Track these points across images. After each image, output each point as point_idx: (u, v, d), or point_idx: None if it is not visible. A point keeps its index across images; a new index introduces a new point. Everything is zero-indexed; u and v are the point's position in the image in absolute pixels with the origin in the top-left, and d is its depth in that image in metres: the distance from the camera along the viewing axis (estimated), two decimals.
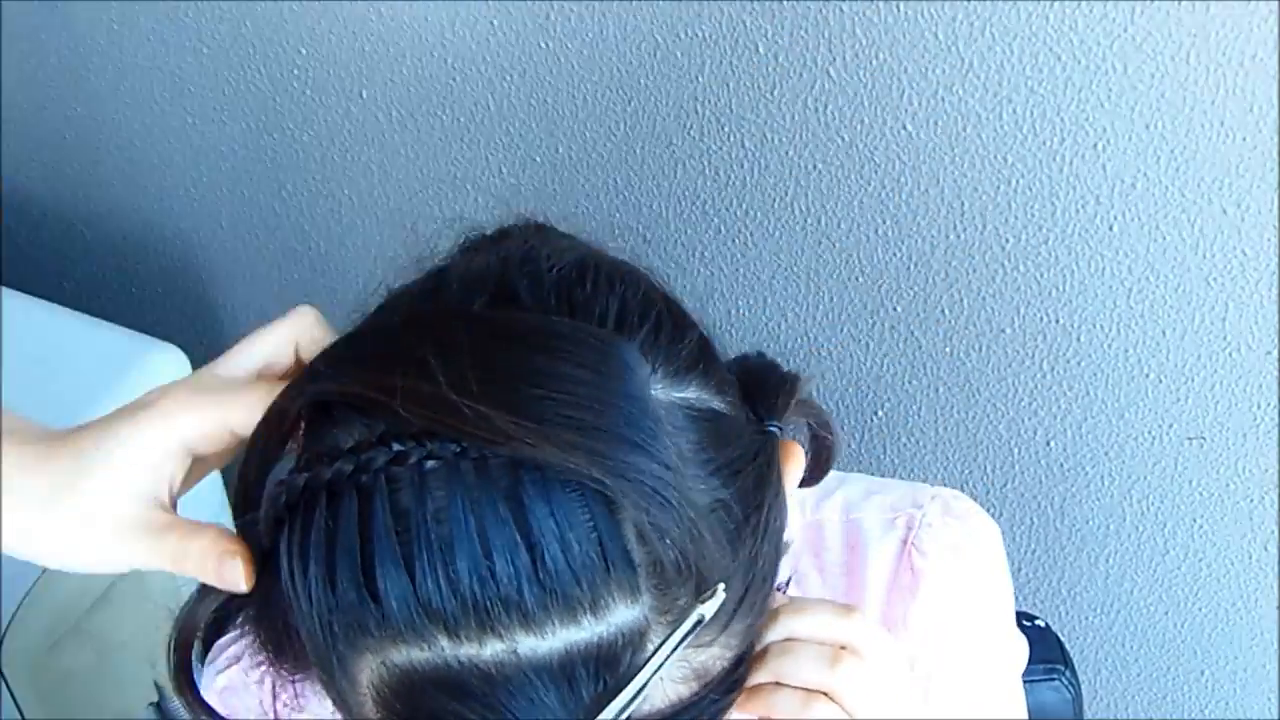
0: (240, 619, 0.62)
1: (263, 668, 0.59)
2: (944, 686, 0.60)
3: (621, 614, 0.41)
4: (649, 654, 0.42)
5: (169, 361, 1.04)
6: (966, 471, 1.00)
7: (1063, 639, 0.77)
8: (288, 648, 0.49)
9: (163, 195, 1.19)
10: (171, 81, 1.10)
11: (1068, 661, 0.76)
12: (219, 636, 0.61)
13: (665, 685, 0.42)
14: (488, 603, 0.40)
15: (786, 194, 0.92)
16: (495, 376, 0.42)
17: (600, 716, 0.40)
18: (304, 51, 1.02)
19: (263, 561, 0.46)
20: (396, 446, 0.41)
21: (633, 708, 0.40)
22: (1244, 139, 0.76)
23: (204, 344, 1.28)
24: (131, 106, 1.14)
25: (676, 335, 0.45)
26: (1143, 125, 0.79)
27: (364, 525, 0.41)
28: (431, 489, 0.40)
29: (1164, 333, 0.87)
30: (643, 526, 0.41)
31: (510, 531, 0.40)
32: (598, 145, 0.96)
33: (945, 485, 0.61)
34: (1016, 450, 0.97)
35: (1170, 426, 0.91)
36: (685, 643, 0.41)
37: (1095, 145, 0.81)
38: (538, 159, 0.99)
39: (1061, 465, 0.97)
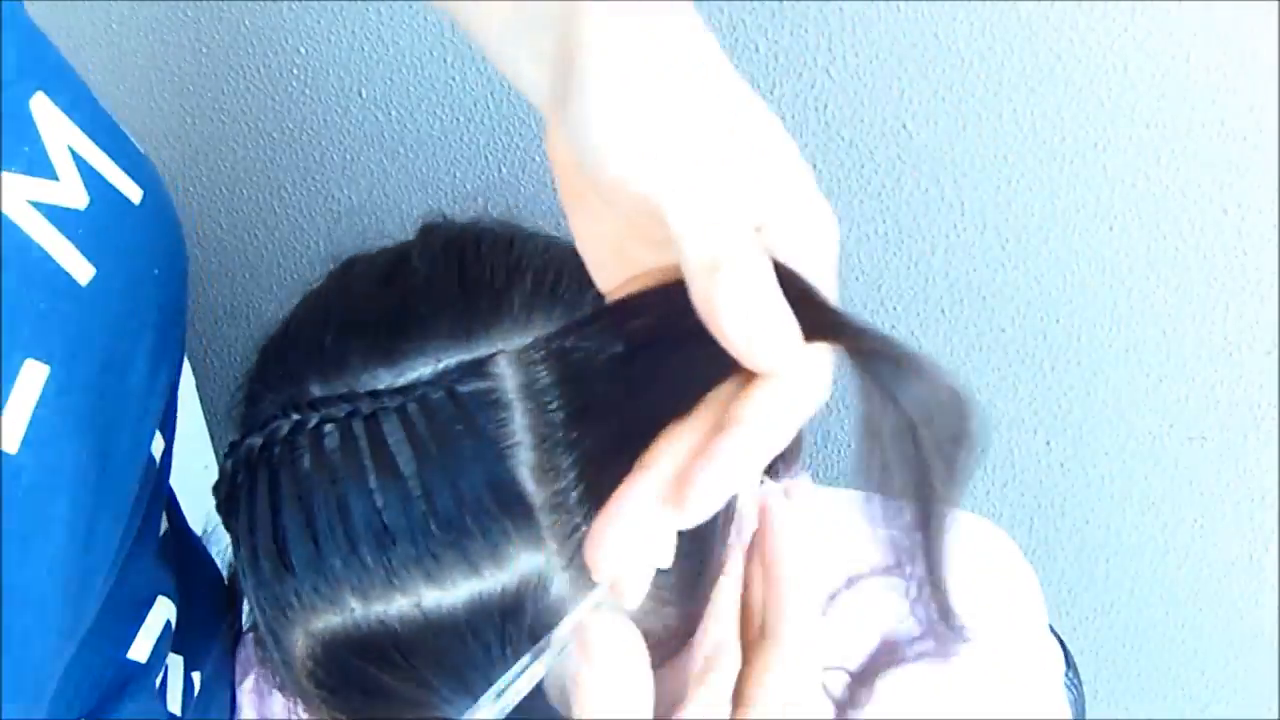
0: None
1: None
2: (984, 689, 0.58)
3: (525, 561, 0.40)
4: (552, 600, 0.41)
5: None
6: None
7: (1064, 639, 0.77)
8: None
9: None
10: (171, 81, 1.10)
11: (1069, 662, 0.76)
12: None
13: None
14: (386, 559, 0.40)
15: None
16: (382, 338, 0.43)
17: (513, 671, 0.38)
18: (304, 51, 1.02)
19: None
20: (294, 415, 0.42)
21: (546, 668, 0.38)
22: (1244, 139, 0.76)
23: (204, 344, 1.28)
24: (132, 107, 1.14)
25: (577, 285, 0.45)
26: (1142, 125, 0.79)
27: (273, 496, 0.41)
28: (327, 451, 0.41)
29: (1164, 333, 0.87)
30: (541, 469, 0.41)
31: (402, 484, 0.40)
32: None
33: None
34: (1016, 450, 0.97)
35: (1170, 426, 0.91)
36: (594, 605, 0.39)
37: (1095, 145, 0.81)
38: (537, 159, 0.99)
39: (1061, 465, 0.97)
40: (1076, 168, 0.82)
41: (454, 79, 0.98)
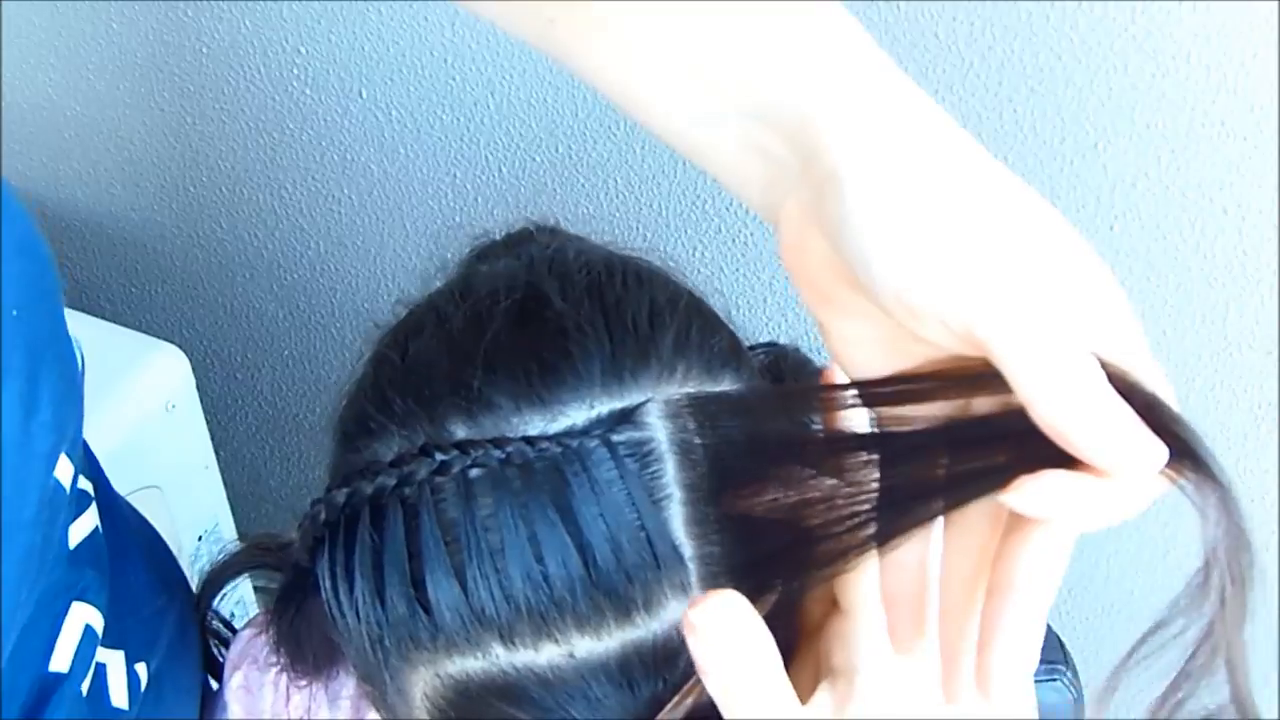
0: (261, 619, 0.62)
1: (275, 669, 0.59)
2: None
3: (675, 609, 0.41)
4: None
5: (169, 361, 1.04)
6: None
7: (1063, 639, 0.77)
8: (306, 655, 0.49)
9: (163, 195, 1.19)
10: (171, 81, 1.10)
11: (1069, 662, 0.76)
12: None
13: None
14: (542, 607, 0.40)
15: None
16: (533, 380, 0.42)
17: (661, 715, 0.40)
18: (304, 51, 1.02)
19: (294, 575, 0.46)
20: (440, 457, 0.41)
21: (691, 703, 0.40)
22: (1244, 139, 0.76)
23: (204, 344, 1.28)
24: (131, 106, 1.14)
25: (708, 331, 0.45)
26: (1143, 125, 0.79)
27: (411, 538, 0.41)
28: (478, 497, 0.40)
29: (1164, 332, 0.87)
30: (691, 521, 0.41)
31: (560, 535, 0.40)
32: (598, 145, 0.96)
33: None
34: None
35: None
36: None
37: (1095, 145, 0.81)
38: (538, 159, 0.99)
39: None
40: (1076, 168, 0.82)
41: (454, 79, 0.98)
